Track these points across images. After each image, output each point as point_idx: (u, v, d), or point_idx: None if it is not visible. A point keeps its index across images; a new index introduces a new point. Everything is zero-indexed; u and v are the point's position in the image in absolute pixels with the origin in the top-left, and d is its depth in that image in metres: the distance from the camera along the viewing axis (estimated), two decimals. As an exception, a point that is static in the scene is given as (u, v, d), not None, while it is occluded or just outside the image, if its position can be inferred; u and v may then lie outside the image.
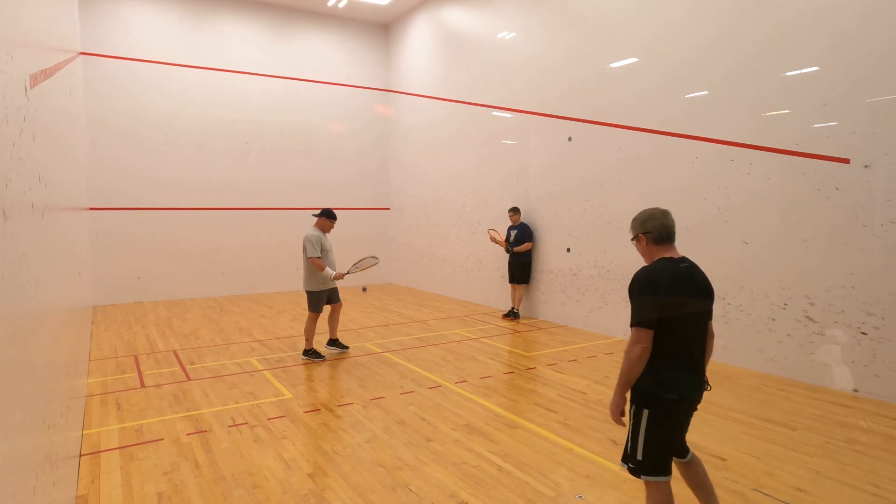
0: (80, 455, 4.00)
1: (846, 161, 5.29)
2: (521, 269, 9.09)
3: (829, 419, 4.66)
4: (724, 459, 3.92)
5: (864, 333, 5.19)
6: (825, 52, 5.41)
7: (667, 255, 2.67)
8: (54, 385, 2.74)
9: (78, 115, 7.31)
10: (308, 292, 6.55)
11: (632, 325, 2.54)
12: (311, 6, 12.34)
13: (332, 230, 6.83)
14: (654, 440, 2.56)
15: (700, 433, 4.37)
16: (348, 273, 6.75)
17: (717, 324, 6.45)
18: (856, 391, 5.27)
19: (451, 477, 3.66)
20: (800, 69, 5.62)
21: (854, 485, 3.55)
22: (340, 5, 12.24)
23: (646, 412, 2.57)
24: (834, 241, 5.39)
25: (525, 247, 9.01)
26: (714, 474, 3.69)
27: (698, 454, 4.00)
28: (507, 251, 9.13)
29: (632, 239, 2.80)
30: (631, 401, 2.65)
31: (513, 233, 9.18)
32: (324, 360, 6.54)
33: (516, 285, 9.15)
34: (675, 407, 2.59)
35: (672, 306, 2.52)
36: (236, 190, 11.95)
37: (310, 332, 6.59)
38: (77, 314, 5.27)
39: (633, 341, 2.52)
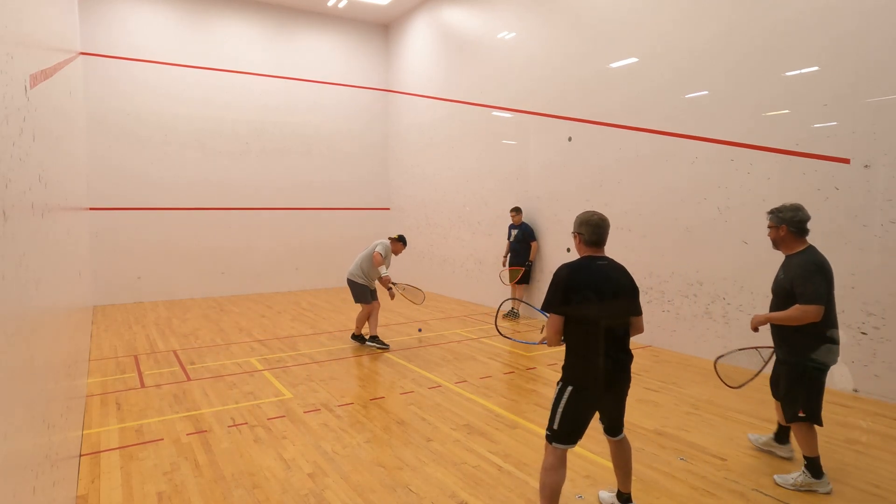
0: (80, 455, 4.00)
1: (846, 161, 5.29)
2: (526, 270, 9.03)
3: (829, 419, 4.65)
4: (724, 459, 3.92)
5: (864, 333, 5.19)
6: (825, 52, 5.41)
7: (592, 254, 3.06)
8: (54, 385, 2.74)
9: (78, 115, 7.31)
10: (363, 286, 7.09)
11: (543, 309, 3.01)
12: (311, 6, 12.34)
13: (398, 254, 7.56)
14: (567, 415, 2.94)
15: (700, 433, 4.38)
16: (393, 286, 7.35)
17: (718, 324, 6.45)
18: (856, 391, 5.27)
19: (451, 477, 3.66)
20: (800, 69, 5.62)
21: (854, 485, 3.55)
22: (340, 5, 12.23)
23: (569, 389, 2.96)
24: (834, 241, 5.38)
25: (533, 250, 9.00)
26: (714, 474, 3.69)
27: (698, 454, 4.01)
28: (526, 266, 8.99)
29: (572, 232, 3.17)
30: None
31: (514, 232, 9.12)
32: (388, 349, 7.10)
33: (516, 285, 9.10)
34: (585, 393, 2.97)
35: (580, 298, 2.90)
36: (236, 190, 11.95)
37: (362, 321, 7.21)
38: (77, 314, 5.27)
39: (547, 325, 2.97)
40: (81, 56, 9.66)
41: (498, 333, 4.83)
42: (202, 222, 11.61)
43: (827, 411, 4.81)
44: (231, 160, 11.88)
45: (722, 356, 3.83)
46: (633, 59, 7.37)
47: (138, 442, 4.24)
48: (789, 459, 3.92)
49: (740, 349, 3.86)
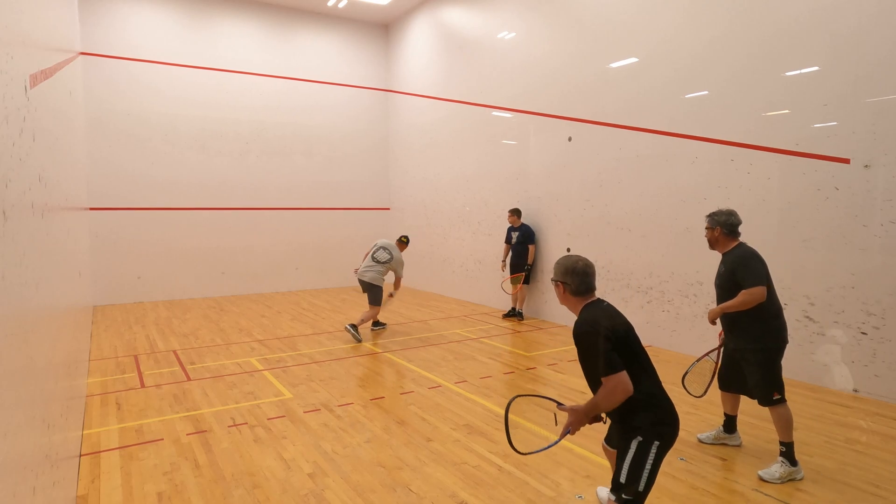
0: (80, 455, 4.00)
1: (846, 161, 5.29)
2: (521, 269, 8.99)
3: (829, 419, 4.66)
4: (725, 459, 3.92)
5: (864, 333, 5.19)
6: (825, 52, 5.41)
7: (591, 300, 2.77)
8: (54, 385, 2.74)
9: (78, 115, 7.31)
10: (380, 288, 7.80)
11: (603, 375, 2.54)
12: (311, 6, 12.34)
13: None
14: (653, 474, 2.58)
15: (700, 433, 4.37)
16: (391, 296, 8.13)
17: (718, 324, 6.44)
18: (856, 391, 5.27)
19: (451, 477, 3.66)
20: (800, 69, 5.62)
21: (854, 485, 3.55)
22: (340, 5, 12.23)
23: (656, 444, 2.57)
24: (834, 241, 5.39)
25: (531, 253, 8.90)
26: (714, 474, 3.69)
27: (698, 454, 4.01)
28: (525, 270, 8.88)
29: (552, 279, 2.87)
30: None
31: (514, 235, 8.99)
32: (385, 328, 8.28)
33: (514, 285, 9.05)
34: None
35: (628, 342, 2.62)
36: (236, 190, 11.95)
37: (373, 316, 7.85)
38: (77, 314, 5.27)
39: (611, 387, 2.52)
40: (81, 56, 9.66)
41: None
42: (202, 222, 11.61)
43: (827, 411, 4.82)
44: (231, 160, 11.88)
45: (685, 374, 4.14)
46: (634, 60, 7.37)
47: (138, 442, 4.24)
48: (740, 447, 4.13)
49: (696, 361, 4.20)
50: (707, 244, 4.24)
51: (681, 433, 4.35)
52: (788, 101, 5.73)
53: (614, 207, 7.72)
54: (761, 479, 3.59)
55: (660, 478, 3.62)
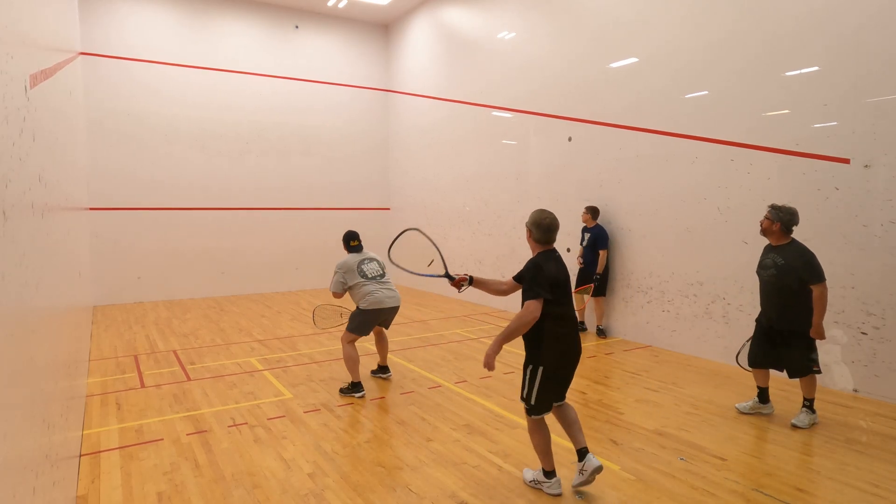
0: (80, 455, 4.00)
1: (846, 161, 5.29)
2: (590, 280, 7.67)
3: (829, 419, 4.66)
4: (725, 459, 3.92)
5: (864, 333, 5.19)
6: (825, 53, 5.41)
7: (546, 250, 3.51)
8: (54, 385, 2.74)
9: (78, 115, 7.31)
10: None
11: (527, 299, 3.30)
12: (311, 6, 12.34)
13: None
14: (541, 393, 3.35)
15: (700, 433, 4.38)
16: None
17: (718, 324, 6.45)
18: (856, 391, 5.27)
19: (451, 477, 3.66)
20: (800, 69, 5.62)
21: (854, 485, 3.55)
22: (340, 5, 12.23)
23: (541, 370, 3.35)
24: (834, 241, 5.38)
25: (601, 259, 7.58)
26: (714, 474, 3.69)
27: (698, 454, 4.01)
28: (594, 280, 7.58)
29: (526, 223, 3.58)
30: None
31: (586, 236, 7.82)
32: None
33: (595, 298, 7.68)
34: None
35: (555, 286, 3.33)
36: (236, 190, 11.94)
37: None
38: (77, 314, 5.27)
39: (525, 308, 3.28)
40: (81, 56, 9.66)
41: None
42: (202, 222, 11.61)
43: (827, 411, 4.83)
44: (231, 160, 11.88)
45: (739, 353, 5.05)
46: (634, 60, 7.37)
47: (138, 442, 4.24)
48: (772, 414, 4.78)
49: (746, 341, 5.00)
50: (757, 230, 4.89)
51: (679, 433, 4.36)
52: (788, 101, 5.73)
53: (614, 207, 7.71)
54: (794, 426, 4.43)
55: (660, 478, 3.63)
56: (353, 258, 5.54)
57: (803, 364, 4.45)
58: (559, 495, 3.40)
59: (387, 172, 13.87)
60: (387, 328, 5.78)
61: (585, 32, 8.11)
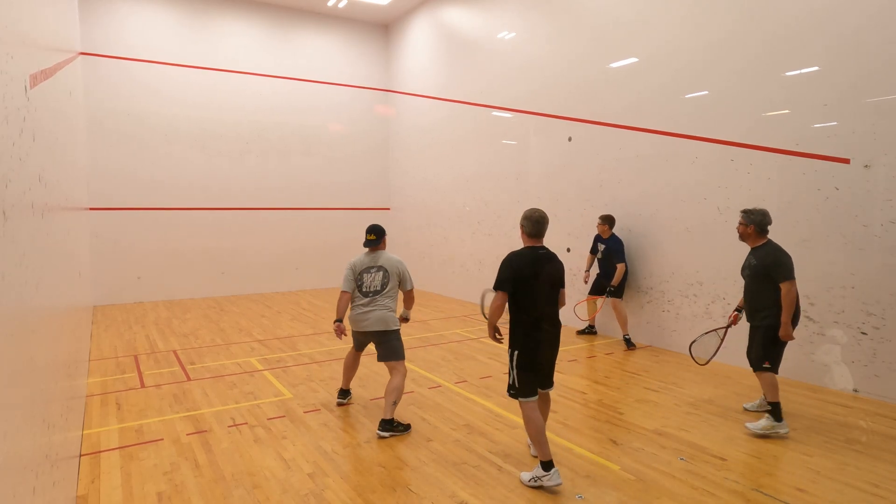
0: (80, 455, 4.00)
1: (846, 161, 5.29)
2: (602, 291, 7.29)
3: (829, 419, 4.66)
4: (725, 459, 3.92)
5: (864, 333, 5.19)
6: (825, 53, 5.41)
7: (533, 244, 3.73)
8: (54, 385, 2.74)
9: (78, 115, 7.31)
10: (398, 331, 4.75)
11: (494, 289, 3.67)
12: (311, 6, 12.34)
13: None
14: (521, 374, 3.64)
15: (700, 433, 4.38)
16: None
17: (718, 324, 6.43)
18: (856, 391, 5.27)
19: (451, 477, 3.66)
20: (800, 69, 5.62)
21: (854, 485, 3.55)
22: (340, 5, 12.23)
23: (516, 353, 3.67)
24: (834, 241, 5.38)
25: (619, 273, 7.03)
26: (714, 474, 3.69)
27: (698, 454, 4.01)
28: (607, 292, 7.16)
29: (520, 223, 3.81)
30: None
31: (601, 247, 7.39)
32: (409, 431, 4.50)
33: (613, 300, 7.17)
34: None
35: (522, 280, 3.59)
36: (236, 190, 11.95)
37: (401, 392, 4.54)
38: (77, 314, 5.27)
39: (492, 302, 3.64)
40: (81, 56, 9.66)
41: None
42: (202, 222, 11.61)
43: (827, 411, 4.82)
44: (231, 160, 11.88)
45: (693, 342, 5.09)
46: (634, 60, 7.37)
47: (138, 442, 4.24)
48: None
49: (704, 333, 5.13)
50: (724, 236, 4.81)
51: (679, 433, 4.37)
52: (788, 101, 5.73)
53: (614, 207, 7.71)
54: (748, 430, 4.36)
55: (660, 477, 3.63)
56: (360, 262, 4.84)
57: (756, 356, 4.47)
58: (559, 485, 3.46)
59: (387, 172, 13.87)
60: (384, 359, 4.69)
61: (585, 32, 8.11)
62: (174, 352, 7.05)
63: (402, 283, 4.81)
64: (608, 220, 7.32)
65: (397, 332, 4.71)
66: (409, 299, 4.92)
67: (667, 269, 7.02)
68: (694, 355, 5.03)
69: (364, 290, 4.73)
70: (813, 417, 4.71)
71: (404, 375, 4.59)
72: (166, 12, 11.11)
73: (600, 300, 7.45)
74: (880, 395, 5.11)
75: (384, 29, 13.62)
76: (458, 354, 6.87)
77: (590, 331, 7.95)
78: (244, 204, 12.04)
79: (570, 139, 8.46)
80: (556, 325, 3.73)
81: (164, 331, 8.31)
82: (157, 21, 11.02)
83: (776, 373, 4.41)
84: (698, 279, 6.65)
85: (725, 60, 6.27)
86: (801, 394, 5.27)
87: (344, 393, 5.15)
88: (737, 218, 6.16)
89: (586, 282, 7.76)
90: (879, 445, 4.15)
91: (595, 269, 7.65)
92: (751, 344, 4.56)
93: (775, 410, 4.34)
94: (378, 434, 4.33)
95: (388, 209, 13.91)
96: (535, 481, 3.50)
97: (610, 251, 7.22)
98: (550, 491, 3.47)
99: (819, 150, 5.48)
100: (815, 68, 5.49)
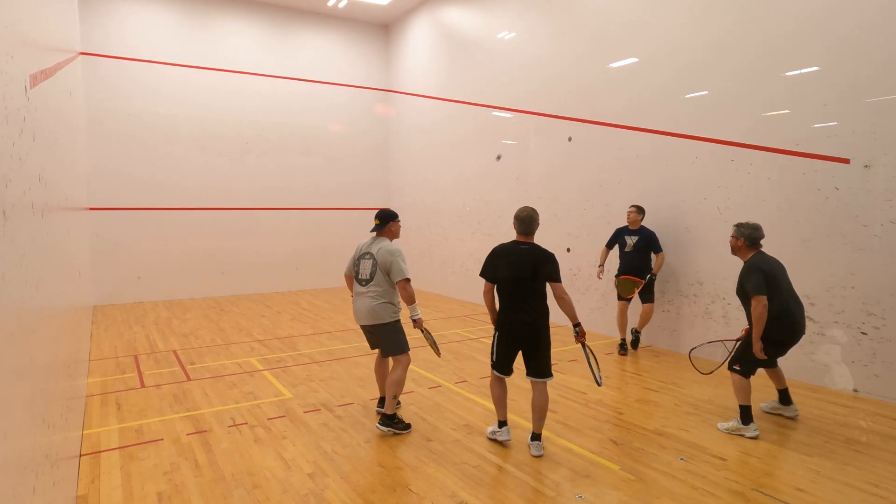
0: (80, 455, 4.00)
1: (846, 161, 5.29)
2: (648, 285, 6.72)
3: (829, 419, 4.66)
4: (725, 459, 3.92)
5: (864, 333, 5.19)
6: (825, 53, 5.41)
7: (519, 240, 4.14)
8: (54, 385, 2.74)
9: (78, 115, 7.31)
10: (393, 323, 4.57)
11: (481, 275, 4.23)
12: (311, 6, 12.34)
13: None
14: (497, 351, 4.18)
15: (700, 433, 4.38)
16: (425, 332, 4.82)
17: (718, 324, 6.45)
18: (856, 391, 5.27)
19: (451, 477, 3.66)
20: (800, 69, 5.62)
21: (854, 485, 3.55)
22: (340, 5, 12.23)
23: (496, 334, 4.20)
24: (834, 241, 5.38)
25: (658, 262, 6.70)
26: (714, 474, 3.69)
27: (698, 454, 4.01)
28: (649, 279, 6.68)
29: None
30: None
31: (629, 240, 6.82)
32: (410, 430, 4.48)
33: (645, 305, 6.76)
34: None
35: (498, 270, 4.11)
36: (236, 190, 11.95)
37: (402, 385, 4.49)
38: (77, 314, 5.27)
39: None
40: (81, 56, 9.66)
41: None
42: (202, 222, 11.61)
43: (827, 411, 4.83)
44: (231, 160, 11.88)
45: (694, 348, 5.08)
46: (634, 60, 7.37)
47: (138, 442, 4.24)
48: (794, 419, 4.68)
49: (709, 342, 5.06)
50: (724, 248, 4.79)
51: (679, 433, 4.37)
52: (788, 101, 5.73)
53: (614, 207, 7.71)
54: (718, 427, 4.46)
55: (659, 477, 3.63)
56: (361, 247, 4.66)
57: (732, 357, 4.54)
58: (508, 440, 4.18)
59: (387, 172, 13.87)
60: (383, 355, 4.66)
61: (585, 32, 8.11)
62: (174, 352, 7.05)
63: (389, 273, 4.44)
64: (642, 210, 6.85)
65: (392, 324, 4.50)
66: (401, 292, 4.48)
67: (667, 269, 7.02)
68: (694, 363, 5.00)
69: (359, 276, 4.56)
70: (813, 417, 4.71)
71: (406, 367, 4.48)
72: (166, 12, 11.11)
73: (636, 291, 6.71)
74: (880, 395, 5.11)
75: (384, 29, 13.63)
76: (458, 354, 6.87)
77: (635, 336, 6.94)
78: (244, 204, 12.05)
79: (570, 139, 8.46)
80: (533, 314, 3.99)
81: (164, 331, 8.31)
82: (157, 21, 11.02)
83: (746, 377, 4.38)
84: (698, 279, 6.65)
85: (725, 60, 6.27)
86: (801, 394, 5.27)
87: (383, 401, 4.75)
88: (737, 218, 6.17)
89: (600, 277, 7.24)
90: (879, 445, 4.15)
91: (608, 264, 7.16)
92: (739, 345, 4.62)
93: (743, 412, 4.37)
94: (377, 427, 4.33)
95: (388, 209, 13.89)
96: (492, 434, 4.24)
97: (645, 241, 6.71)
98: (503, 445, 4.15)
99: (819, 150, 5.49)
100: (815, 68, 5.49)
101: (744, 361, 4.42)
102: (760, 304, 4.21)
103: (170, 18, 11.16)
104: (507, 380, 4.32)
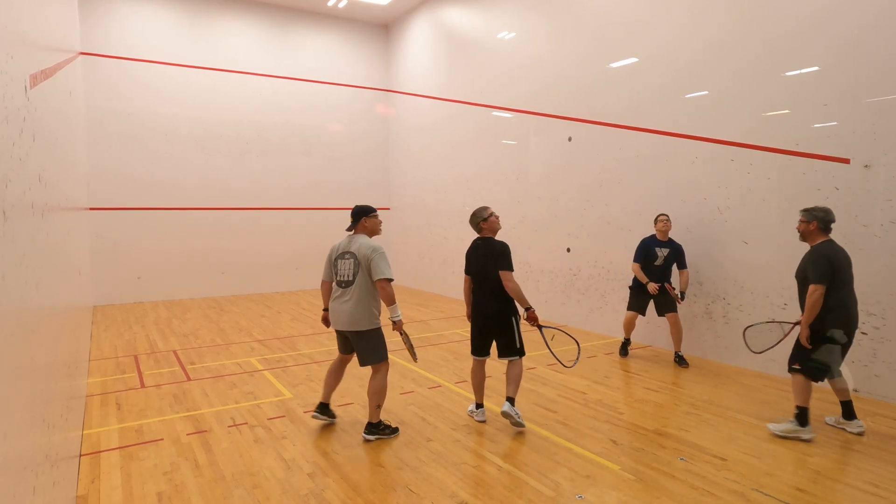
0: (80, 455, 4.00)
1: (846, 161, 5.29)
2: (668, 295, 6.30)
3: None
4: (725, 459, 3.91)
5: (864, 333, 5.19)
6: (825, 52, 5.41)
7: (478, 236, 4.68)
8: (54, 385, 2.74)
9: (78, 115, 7.31)
10: (375, 331, 4.27)
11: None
12: (311, 6, 12.34)
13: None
14: (472, 336, 4.74)
15: (700, 433, 4.38)
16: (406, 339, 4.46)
17: (718, 324, 6.45)
18: (856, 391, 5.26)
19: (451, 477, 3.66)
20: (800, 69, 5.62)
21: (854, 485, 3.55)
22: (340, 5, 12.23)
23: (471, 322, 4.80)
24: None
25: (684, 279, 6.28)
26: (714, 474, 3.69)
27: (698, 454, 4.01)
28: (677, 298, 6.22)
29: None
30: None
31: (662, 253, 6.27)
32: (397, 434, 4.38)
33: (669, 315, 6.33)
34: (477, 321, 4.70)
35: (469, 264, 4.66)
36: (236, 190, 11.95)
37: (384, 392, 4.32)
38: (77, 314, 5.27)
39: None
40: (81, 56, 9.66)
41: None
42: (202, 222, 11.61)
43: (827, 411, 4.82)
44: (231, 160, 11.89)
45: (749, 326, 4.86)
46: (634, 60, 7.37)
47: (138, 442, 4.24)
48: (860, 434, 4.35)
49: (767, 321, 4.86)
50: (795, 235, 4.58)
51: (679, 433, 4.36)
52: (788, 101, 5.73)
53: (614, 207, 7.72)
54: (769, 429, 4.35)
55: (659, 477, 3.63)
56: (337, 247, 4.40)
57: (790, 356, 4.41)
58: (483, 422, 4.59)
59: (387, 172, 13.87)
60: (361, 363, 4.28)
61: (585, 32, 8.11)
62: (174, 352, 7.05)
63: (371, 271, 4.15)
64: (668, 220, 6.31)
65: (373, 332, 4.21)
66: (381, 292, 4.15)
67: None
68: (748, 340, 4.78)
69: (338, 279, 4.27)
70: (813, 417, 4.70)
71: (386, 374, 4.31)
72: (166, 12, 11.11)
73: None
74: (880, 395, 5.11)
75: (384, 29, 13.63)
76: (457, 354, 6.87)
77: (680, 359, 6.35)
78: (244, 204, 12.05)
79: (570, 139, 8.46)
80: (497, 301, 4.45)
81: (164, 331, 8.31)
82: (156, 21, 11.02)
83: (814, 380, 4.27)
84: (698, 279, 6.65)
85: (725, 60, 6.27)
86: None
87: (323, 407, 4.51)
88: (737, 218, 6.19)
89: (656, 292, 6.23)
90: (879, 445, 4.15)
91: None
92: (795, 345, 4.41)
93: (800, 414, 4.26)
94: (364, 437, 4.23)
95: (388, 209, 13.91)
96: (471, 413, 4.71)
97: (675, 255, 6.27)
98: (479, 422, 4.59)
99: (819, 150, 5.49)
100: (815, 68, 5.49)
101: (803, 360, 4.29)
102: (817, 292, 4.11)
103: (170, 18, 11.16)
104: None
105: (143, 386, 5.66)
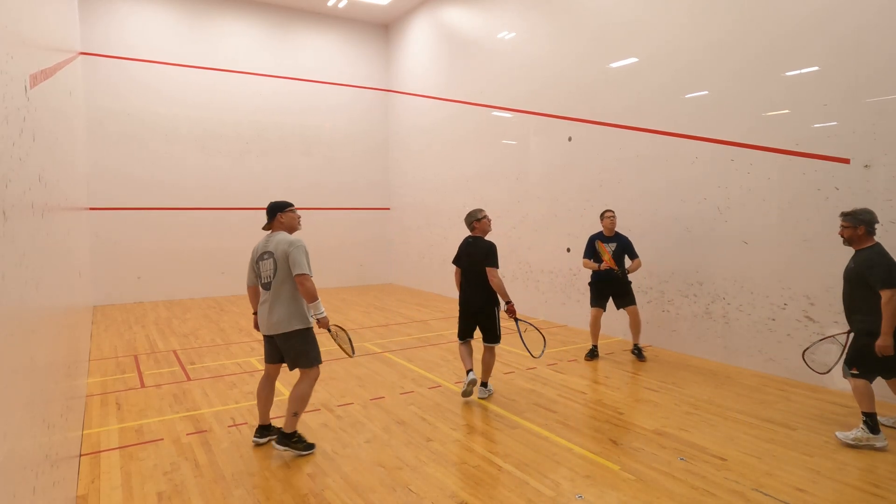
0: (80, 455, 4.00)
1: (846, 161, 5.29)
2: (627, 286, 6.53)
3: (829, 419, 4.66)
4: (725, 459, 3.91)
5: (864, 333, 5.18)
6: (825, 52, 5.41)
7: (470, 234, 5.21)
8: (54, 385, 2.74)
9: (78, 115, 7.31)
10: (304, 331, 4.00)
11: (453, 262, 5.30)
12: (311, 6, 12.34)
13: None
14: (459, 322, 5.26)
15: (700, 433, 4.38)
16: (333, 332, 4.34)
17: (718, 324, 6.45)
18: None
19: (451, 477, 3.66)
20: (800, 69, 5.62)
21: (854, 485, 3.55)
22: (340, 5, 12.24)
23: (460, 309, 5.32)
24: (834, 241, 5.36)
25: (635, 267, 6.51)
26: (714, 474, 3.69)
27: (698, 454, 4.01)
28: (620, 275, 6.42)
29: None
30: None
31: (609, 247, 6.53)
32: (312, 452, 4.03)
33: (628, 309, 6.54)
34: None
35: (460, 259, 5.20)
36: (236, 190, 11.95)
37: (306, 401, 4.06)
38: (77, 314, 5.27)
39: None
40: (81, 56, 9.66)
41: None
42: (202, 222, 11.61)
43: (827, 411, 4.82)
44: (231, 160, 11.89)
45: (808, 348, 4.69)
46: (634, 60, 7.37)
47: (138, 442, 4.24)
48: None
49: (821, 339, 4.73)
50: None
51: (679, 433, 4.36)
52: (788, 101, 5.73)
53: (614, 207, 7.69)
54: (837, 438, 4.16)
55: (659, 477, 3.63)
56: (256, 248, 4.13)
57: (846, 361, 4.21)
58: (472, 381, 4.94)
59: (387, 172, 13.87)
60: (291, 367, 4.03)
61: (585, 32, 8.11)
62: (174, 352, 7.05)
63: (291, 266, 3.89)
64: (614, 215, 6.62)
65: (302, 332, 3.94)
66: (300, 288, 3.86)
67: (667, 269, 7.02)
68: (811, 365, 4.62)
69: (263, 281, 4.01)
70: (813, 417, 4.70)
71: (314, 382, 4.01)
72: (166, 12, 11.12)
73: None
74: (880, 395, 5.10)
75: (384, 29, 13.63)
76: (457, 354, 6.86)
77: (638, 351, 6.56)
78: (244, 204, 12.04)
79: (570, 139, 8.46)
80: (483, 294, 4.96)
81: (164, 331, 8.31)
82: (157, 21, 11.02)
83: (869, 381, 4.10)
84: (698, 279, 6.65)
85: (725, 60, 6.27)
86: (801, 394, 5.27)
87: (263, 430, 4.16)
88: (737, 218, 6.19)
89: (603, 269, 6.42)
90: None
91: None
92: (888, 360, 4.10)
93: (869, 421, 4.07)
94: (274, 447, 3.95)
95: (388, 209, 13.92)
96: (463, 385, 4.99)
97: (623, 248, 6.52)
98: (469, 383, 4.92)
99: (819, 150, 5.49)
100: (815, 68, 5.49)
101: (862, 364, 4.10)
102: (894, 295, 3.88)
103: (170, 18, 11.16)
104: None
105: (143, 386, 5.66)
